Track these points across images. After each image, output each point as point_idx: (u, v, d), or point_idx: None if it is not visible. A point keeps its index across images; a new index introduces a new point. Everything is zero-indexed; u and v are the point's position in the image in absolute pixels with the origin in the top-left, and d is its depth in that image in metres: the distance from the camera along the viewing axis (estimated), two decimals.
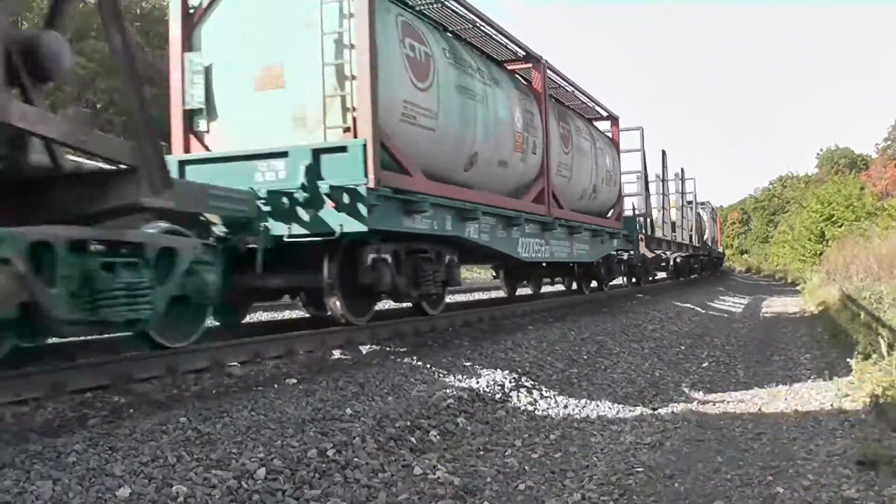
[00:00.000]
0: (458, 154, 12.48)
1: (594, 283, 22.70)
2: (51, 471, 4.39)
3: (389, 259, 10.40)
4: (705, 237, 46.47)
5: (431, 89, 11.47)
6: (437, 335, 10.96)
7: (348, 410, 6.58)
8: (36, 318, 5.57)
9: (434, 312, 12.22)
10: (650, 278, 31.29)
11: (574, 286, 23.21)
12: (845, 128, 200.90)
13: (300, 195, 9.62)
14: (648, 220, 29.40)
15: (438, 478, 5.72)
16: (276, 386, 6.93)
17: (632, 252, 25.30)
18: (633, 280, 28.12)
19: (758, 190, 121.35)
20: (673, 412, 9.10)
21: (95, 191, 6.34)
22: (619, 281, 26.08)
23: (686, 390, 10.58)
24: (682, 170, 40.36)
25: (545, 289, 23.12)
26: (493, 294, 18.70)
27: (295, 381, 7.18)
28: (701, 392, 10.54)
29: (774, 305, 30.13)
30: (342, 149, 9.74)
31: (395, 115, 10.56)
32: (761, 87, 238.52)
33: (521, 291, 21.35)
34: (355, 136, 9.81)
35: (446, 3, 12.71)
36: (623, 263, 25.18)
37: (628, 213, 25.44)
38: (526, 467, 6.43)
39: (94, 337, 7.85)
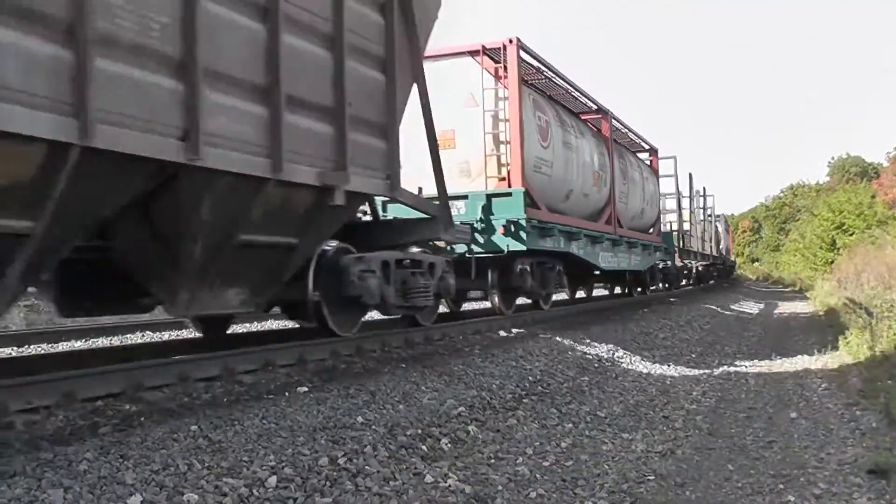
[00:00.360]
0: (561, 191, 17.65)
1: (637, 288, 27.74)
2: (62, 479, 4.39)
3: (528, 269, 15.66)
4: (720, 247, 50.23)
5: (549, 147, 16.78)
6: (448, 343, 10.96)
7: (359, 418, 6.58)
8: (384, 303, 9.75)
9: (546, 307, 17.33)
10: (680, 284, 35.79)
11: (616, 291, 28.52)
12: (857, 136, 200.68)
13: (478, 225, 14.49)
14: (681, 234, 34.91)
15: (450, 486, 5.72)
16: (287, 394, 6.92)
17: (668, 262, 30.76)
18: (668, 286, 32.22)
19: (769, 198, 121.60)
20: (684, 419, 9.10)
21: (402, 230, 11.04)
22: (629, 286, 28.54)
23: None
24: (704, 188, 46.05)
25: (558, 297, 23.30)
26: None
27: (306, 389, 7.18)
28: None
29: (785, 308, 33.65)
30: (508, 194, 14.80)
31: (531, 168, 15.63)
32: (773, 94, 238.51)
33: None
34: (509, 185, 14.95)
35: (553, 80, 18.42)
36: (660, 272, 30.26)
37: (665, 229, 31.50)
38: (537, 475, 6.42)
39: (104, 346, 8.24)
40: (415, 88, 9.90)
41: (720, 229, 51.60)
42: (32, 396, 5.68)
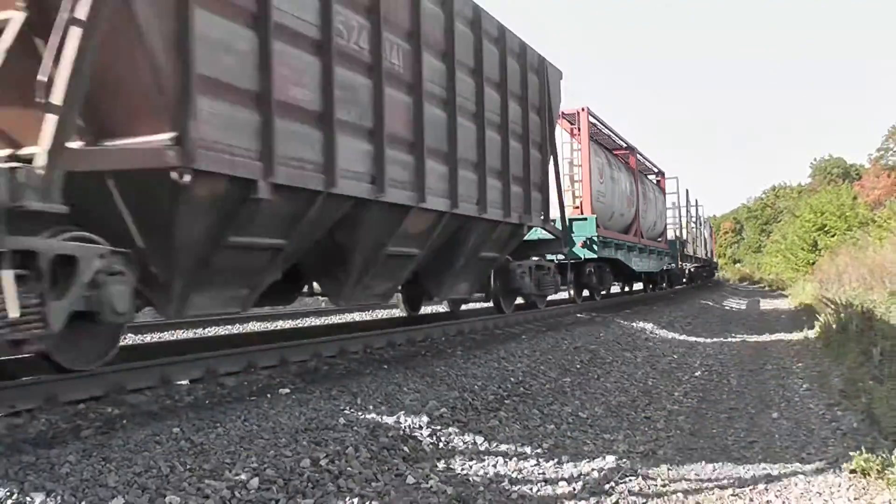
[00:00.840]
0: (609, 213, 24.03)
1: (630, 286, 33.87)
2: (45, 482, 4.39)
3: (593, 271, 21.99)
4: (706, 249, 55.20)
5: (604, 182, 23.57)
6: (430, 344, 10.98)
7: (341, 420, 6.59)
8: (523, 293, 15.65)
9: (598, 298, 23.34)
10: (680, 283, 42.10)
11: (626, 288, 33.51)
12: (838, 138, 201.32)
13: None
14: (680, 241, 40.22)
15: (431, 487, 5.74)
16: (269, 395, 6.93)
17: (672, 265, 36.27)
18: (670, 284, 38.50)
19: (751, 199, 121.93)
20: (665, 419, 9.15)
21: (539, 246, 16.63)
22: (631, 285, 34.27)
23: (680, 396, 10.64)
24: (696, 200, 53.88)
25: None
26: (483, 304, 18.85)
27: (288, 390, 7.19)
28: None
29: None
30: (584, 218, 21.16)
31: (595, 199, 22.07)
32: (756, 95, 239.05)
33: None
34: (582, 212, 21.41)
35: (602, 129, 25.33)
36: (665, 273, 35.91)
37: (670, 237, 37.81)
38: (519, 476, 6.44)
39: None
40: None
41: (706, 234, 55.74)
42: (15, 399, 5.68)
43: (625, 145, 28.89)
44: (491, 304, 15.84)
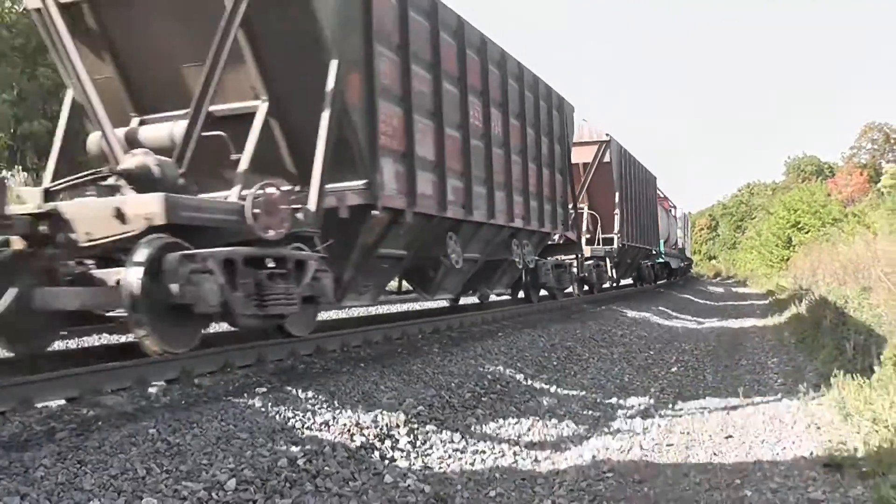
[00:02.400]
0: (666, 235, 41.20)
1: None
2: (18, 486, 4.36)
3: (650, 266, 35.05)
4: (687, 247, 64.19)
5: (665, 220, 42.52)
6: (407, 342, 10.97)
7: (318, 419, 6.57)
8: (546, 286, 19.79)
9: (596, 292, 25.95)
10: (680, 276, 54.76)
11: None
12: (812, 136, 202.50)
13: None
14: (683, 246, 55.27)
15: (409, 485, 5.74)
16: (246, 395, 6.90)
17: (682, 263, 53.36)
18: (675, 277, 50.81)
19: (726, 196, 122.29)
20: (642, 415, 9.18)
21: (562, 248, 20.29)
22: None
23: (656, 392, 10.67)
24: (685, 214, 63.47)
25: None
26: (463, 301, 18.87)
27: (265, 389, 7.16)
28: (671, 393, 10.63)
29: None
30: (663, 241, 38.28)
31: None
32: (731, 94, 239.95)
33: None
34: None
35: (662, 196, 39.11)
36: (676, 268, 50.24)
37: (679, 245, 52.22)
38: (496, 475, 6.45)
39: (68, 348, 8.31)
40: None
41: (688, 237, 65.03)
42: None
43: (662, 195, 41.94)
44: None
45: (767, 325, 21.31)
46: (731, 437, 8.13)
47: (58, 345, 10.49)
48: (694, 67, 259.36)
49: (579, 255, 22.28)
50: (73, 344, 10.34)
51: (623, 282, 34.16)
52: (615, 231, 28.18)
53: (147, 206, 7.20)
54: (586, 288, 24.95)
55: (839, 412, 8.48)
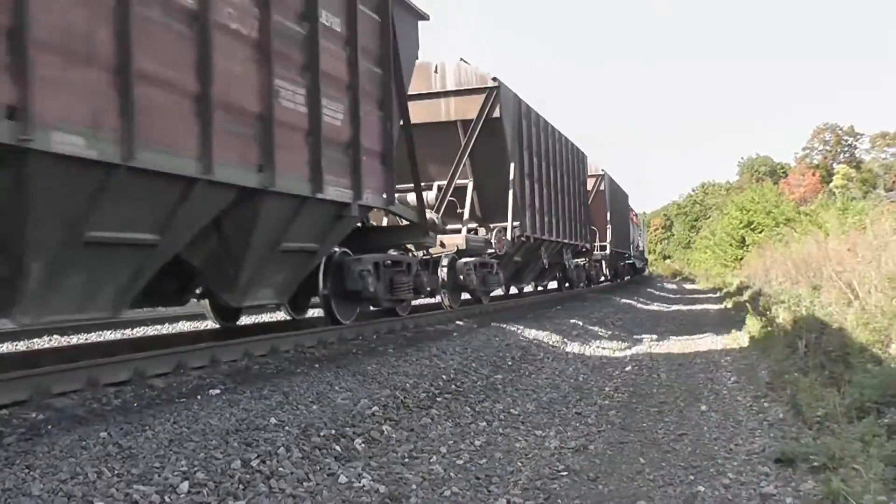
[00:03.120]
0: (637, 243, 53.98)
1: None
2: None
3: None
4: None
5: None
6: (362, 342, 10.95)
7: (273, 420, 6.54)
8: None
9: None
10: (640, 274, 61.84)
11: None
12: (766, 137, 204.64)
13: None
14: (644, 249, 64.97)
15: (364, 486, 5.72)
16: (199, 397, 6.86)
17: (642, 263, 62.79)
18: (637, 274, 58.98)
19: (681, 196, 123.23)
20: (596, 414, 9.22)
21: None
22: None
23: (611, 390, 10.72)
24: (643, 222, 72.17)
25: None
26: (416, 301, 18.97)
27: (219, 391, 7.12)
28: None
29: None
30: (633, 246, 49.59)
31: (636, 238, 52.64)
32: (684, 94, 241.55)
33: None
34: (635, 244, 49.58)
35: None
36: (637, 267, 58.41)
37: (641, 246, 61.43)
38: (451, 474, 6.45)
39: (11, 351, 8.21)
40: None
41: (642, 236, 69.62)
42: None
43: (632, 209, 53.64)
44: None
45: (722, 323, 21.47)
46: (684, 434, 8.18)
47: (6, 346, 10.38)
48: (648, 67, 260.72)
49: (590, 259, 32.06)
50: (21, 346, 10.25)
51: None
52: (608, 241, 37.79)
53: (456, 240, 17.10)
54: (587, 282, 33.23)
55: (791, 409, 8.57)
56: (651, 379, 11.93)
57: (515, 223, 19.84)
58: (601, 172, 37.26)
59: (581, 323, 19.71)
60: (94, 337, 12.52)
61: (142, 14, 6.52)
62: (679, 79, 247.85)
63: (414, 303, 14.98)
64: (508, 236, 19.50)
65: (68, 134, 5.87)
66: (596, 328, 19.47)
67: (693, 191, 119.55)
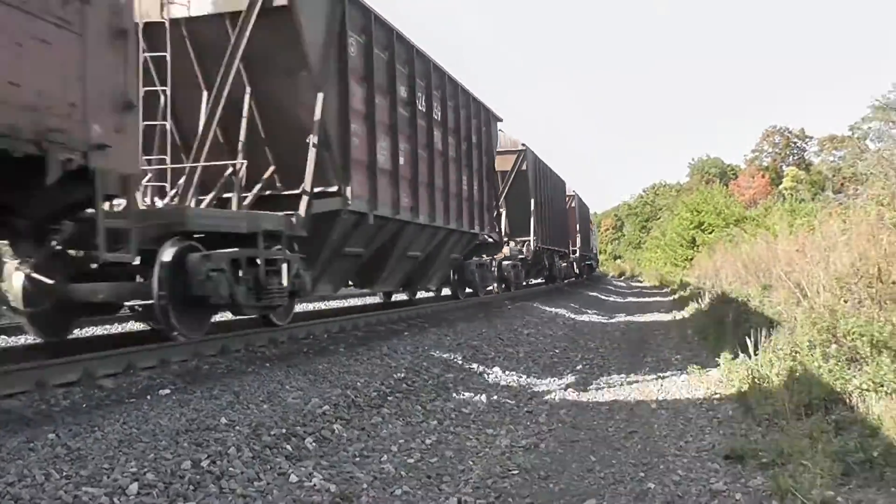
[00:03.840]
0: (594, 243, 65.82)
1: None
2: None
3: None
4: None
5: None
6: (313, 342, 10.94)
7: (223, 420, 6.52)
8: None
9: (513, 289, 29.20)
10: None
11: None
12: (716, 139, 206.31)
13: None
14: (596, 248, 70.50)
15: (315, 485, 5.72)
16: (149, 397, 6.82)
17: (594, 263, 66.02)
18: (589, 272, 61.43)
19: (632, 197, 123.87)
20: (547, 413, 9.26)
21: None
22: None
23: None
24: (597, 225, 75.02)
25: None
26: (368, 300, 18.97)
27: (169, 391, 7.09)
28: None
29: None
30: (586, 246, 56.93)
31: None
32: (636, 96, 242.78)
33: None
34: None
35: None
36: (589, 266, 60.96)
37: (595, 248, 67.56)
38: (402, 473, 6.46)
39: None
40: None
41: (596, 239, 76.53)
42: None
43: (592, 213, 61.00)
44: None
45: (673, 322, 21.66)
46: (634, 432, 8.25)
47: None
48: (602, 66, 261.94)
49: (567, 261, 35.89)
50: None
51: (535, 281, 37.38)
52: (578, 246, 42.87)
53: (505, 250, 26.56)
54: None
55: (740, 406, 8.66)
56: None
57: (535, 237, 30.57)
58: (573, 193, 46.28)
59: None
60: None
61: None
62: (629, 80, 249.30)
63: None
64: (533, 246, 30.37)
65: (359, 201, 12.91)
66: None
67: (644, 192, 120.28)
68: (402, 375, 9.87)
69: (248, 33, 11.16)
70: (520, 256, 29.35)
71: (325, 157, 12.13)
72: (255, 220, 10.47)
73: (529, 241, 30.57)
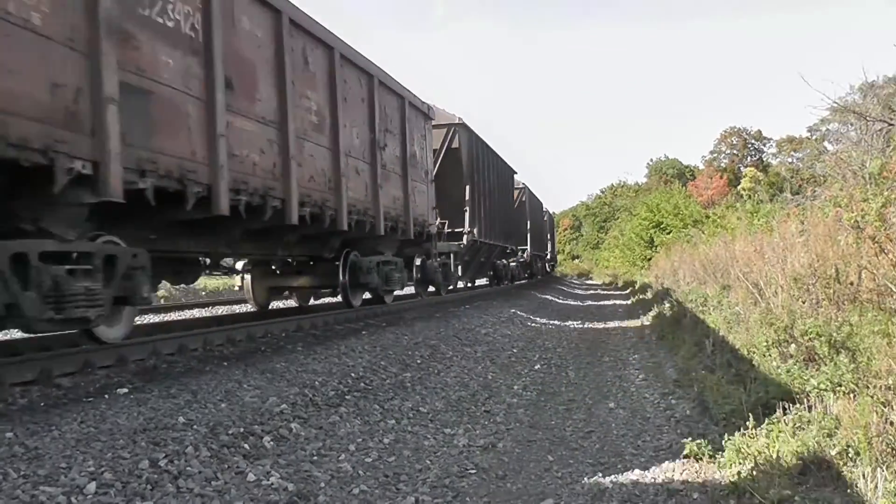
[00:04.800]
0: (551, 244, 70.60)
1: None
2: None
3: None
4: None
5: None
6: (270, 340, 10.93)
7: (181, 419, 6.50)
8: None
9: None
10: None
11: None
12: (674, 140, 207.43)
13: None
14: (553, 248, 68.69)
15: (272, 484, 5.73)
16: (106, 396, 6.80)
17: (553, 262, 68.02)
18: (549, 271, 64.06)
19: (590, 197, 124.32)
20: (505, 412, 9.31)
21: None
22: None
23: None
24: (553, 219, 73.68)
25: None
26: (329, 300, 18.93)
27: (126, 390, 7.07)
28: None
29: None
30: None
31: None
32: (593, 97, 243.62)
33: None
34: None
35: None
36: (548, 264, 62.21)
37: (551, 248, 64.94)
38: (360, 472, 6.48)
39: None
40: None
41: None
42: None
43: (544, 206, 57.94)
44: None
45: (630, 326, 21.76)
46: (592, 432, 8.31)
47: None
48: (560, 66, 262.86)
49: (515, 260, 37.25)
50: None
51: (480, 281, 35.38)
52: (527, 245, 41.17)
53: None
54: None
55: (698, 405, 8.75)
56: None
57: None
58: (522, 186, 42.31)
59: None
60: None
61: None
62: (586, 80, 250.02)
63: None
64: (467, 241, 26.24)
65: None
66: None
67: (602, 192, 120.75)
68: (360, 374, 9.88)
69: (440, 158, 23.99)
70: (453, 251, 24.33)
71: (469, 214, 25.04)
72: (450, 246, 23.72)
73: (464, 233, 25.34)
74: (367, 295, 16.63)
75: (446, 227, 23.28)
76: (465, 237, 25.69)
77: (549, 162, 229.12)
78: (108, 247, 7.95)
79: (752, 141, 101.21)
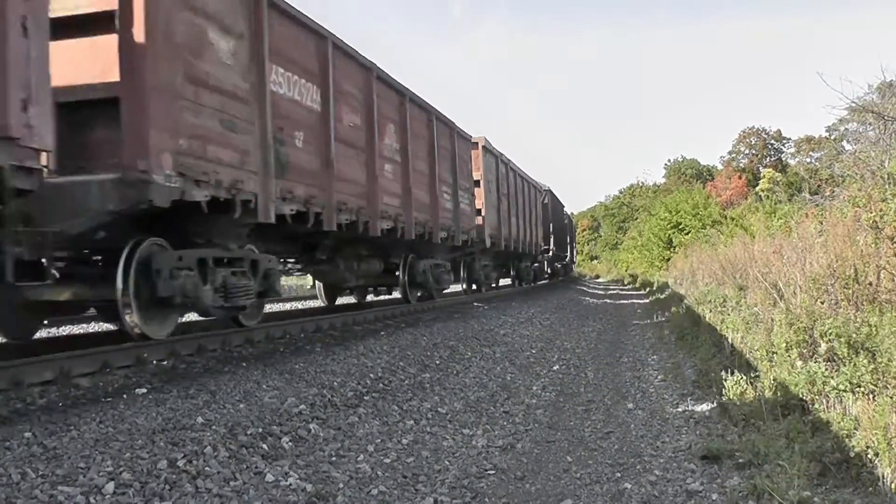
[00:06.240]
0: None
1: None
2: None
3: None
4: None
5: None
6: (289, 341, 10.93)
7: (199, 419, 6.50)
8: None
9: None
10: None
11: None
12: (692, 141, 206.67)
13: None
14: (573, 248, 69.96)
15: (291, 484, 5.72)
16: (125, 396, 6.80)
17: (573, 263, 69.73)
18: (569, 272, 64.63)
19: (608, 197, 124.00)
20: (524, 413, 9.28)
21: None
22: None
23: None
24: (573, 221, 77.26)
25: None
26: (342, 301, 18.95)
27: (145, 390, 7.07)
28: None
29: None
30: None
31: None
32: (613, 97, 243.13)
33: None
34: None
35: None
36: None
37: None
38: (379, 472, 6.46)
39: None
40: None
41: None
42: None
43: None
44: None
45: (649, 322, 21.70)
46: (611, 433, 8.28)
47: None
48: (577, 67, 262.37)
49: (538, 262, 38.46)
50: None
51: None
52: (550, 245, 41.46)
53: None
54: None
55: (717, 407, 8.70)
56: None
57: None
58: (546, 189, 43.35)
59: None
60: None
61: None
62: (604, 81, 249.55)
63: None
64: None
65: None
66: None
67: (620, 192, 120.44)
68: (379, 375, 9.87)
69: None
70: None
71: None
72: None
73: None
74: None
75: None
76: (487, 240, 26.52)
77: (568, 162, 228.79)
78: (255, 254, 10.95)
79: (772, 141, 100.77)
